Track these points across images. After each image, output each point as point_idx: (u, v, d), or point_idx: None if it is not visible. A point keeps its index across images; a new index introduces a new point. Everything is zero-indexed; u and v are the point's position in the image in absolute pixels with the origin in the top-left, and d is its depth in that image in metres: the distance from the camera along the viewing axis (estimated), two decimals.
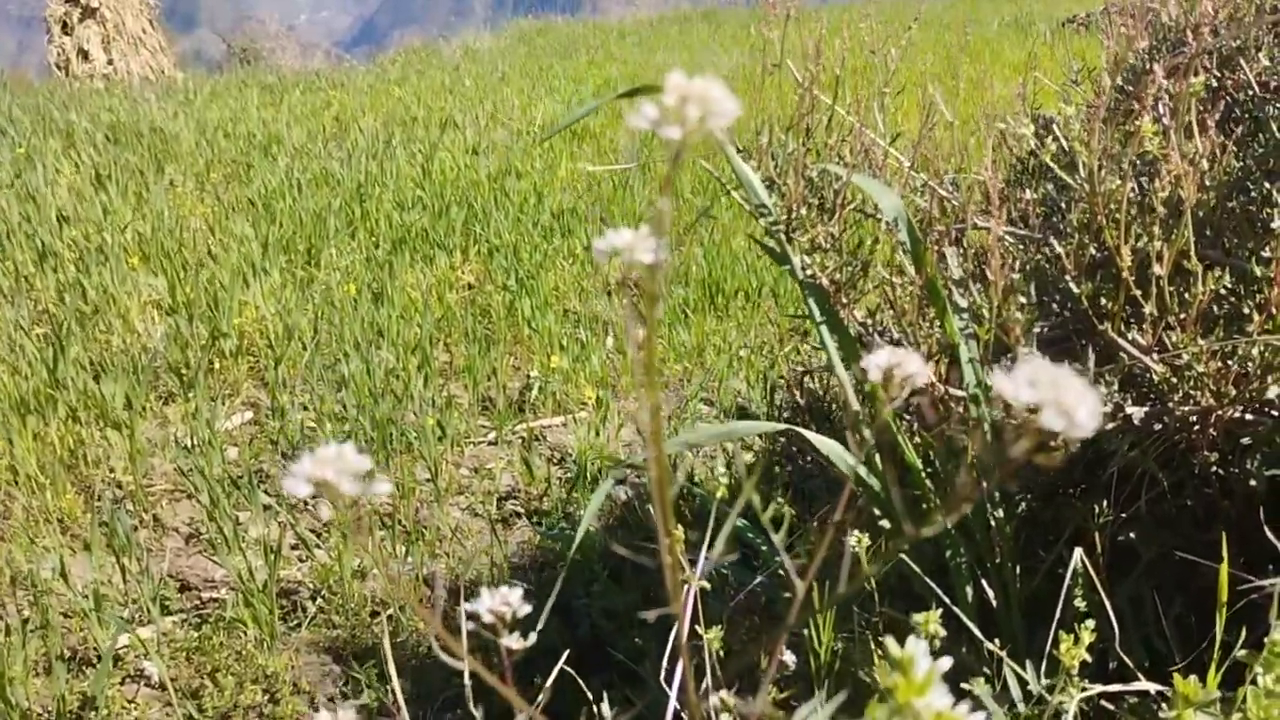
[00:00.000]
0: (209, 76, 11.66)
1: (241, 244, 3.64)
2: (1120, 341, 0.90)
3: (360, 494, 0.34)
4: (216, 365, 2.98)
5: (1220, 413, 0.86)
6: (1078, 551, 0.86)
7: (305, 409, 2.87)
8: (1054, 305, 1.03)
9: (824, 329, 1.04)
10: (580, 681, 1.21)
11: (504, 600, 0.45)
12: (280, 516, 2.38)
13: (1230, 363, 0.86)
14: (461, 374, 3.09)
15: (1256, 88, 1.05)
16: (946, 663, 0.35)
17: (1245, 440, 0.89)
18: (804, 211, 1.10)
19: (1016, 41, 10.50)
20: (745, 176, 1.14)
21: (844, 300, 1.11)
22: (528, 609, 0.46)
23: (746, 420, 2.97)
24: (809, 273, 1.10)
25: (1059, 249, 0.93)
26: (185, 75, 11.49)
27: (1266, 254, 0.83)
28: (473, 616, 0.45)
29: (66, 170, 4.62)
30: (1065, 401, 0.27)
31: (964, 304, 1.00)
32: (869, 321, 1.12)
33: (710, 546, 1.02)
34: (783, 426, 1.04)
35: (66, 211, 3.76)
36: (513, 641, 0.44)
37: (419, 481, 2.57)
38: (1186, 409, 0.87)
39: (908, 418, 1.09)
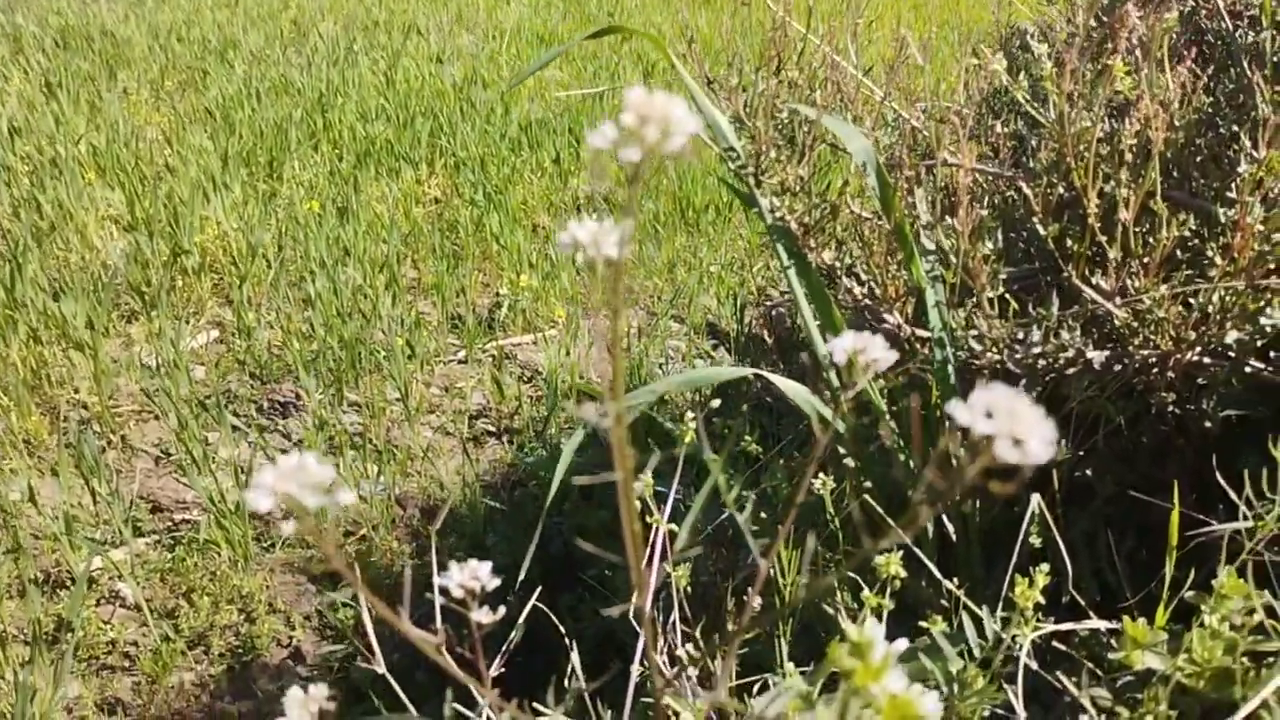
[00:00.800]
0: None
1: (200, 156, 3.54)
2: (1084, 288, 0.91)
3: (322, 504, 0.34)
4: (179, 283, 2.93)
5: (1179, 356, 0.88)
6: (1035, 497, 0.89)
7: (271, 327, 2.84)
8: (1020, 244, 1.03)
9: (792, 273, 1.04)
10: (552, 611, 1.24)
11: (473, 574, 0.46)
12: (250, 437, 2.38)
13: (1191, 307, 0.87)
14: (430, 291, 3.07)
15: (1228, 17, 1.04)
16: (902, 644, 0.36)
17: (1202, 381, 0.91)
18: (773, 154, 1.09)
19: None
20: (713, 119, 1.11)
21: (812, 244, 1.10)
22: (497, 583, 0.46)
23: (715, 341, 2.99)
24: (777, 215, 1.09)
25: (1027, 190, 0.93)
26: None
27: (1231, 195, 0.84)
28: (443, 591, 0.46)
29: (15, 78, 4.43)
30: (1019, 432, 0.28)
31: (931, 246, 1.00)
32: (837, 262, 1.12)
33: (680, 482, 1.04)
34: (749, 371, 1.05)
35: (18, 123, 3.62)
36: (482, 615, 0.45)
37: (389, 401, 2.57)
38: (1146, 353, 0.89)
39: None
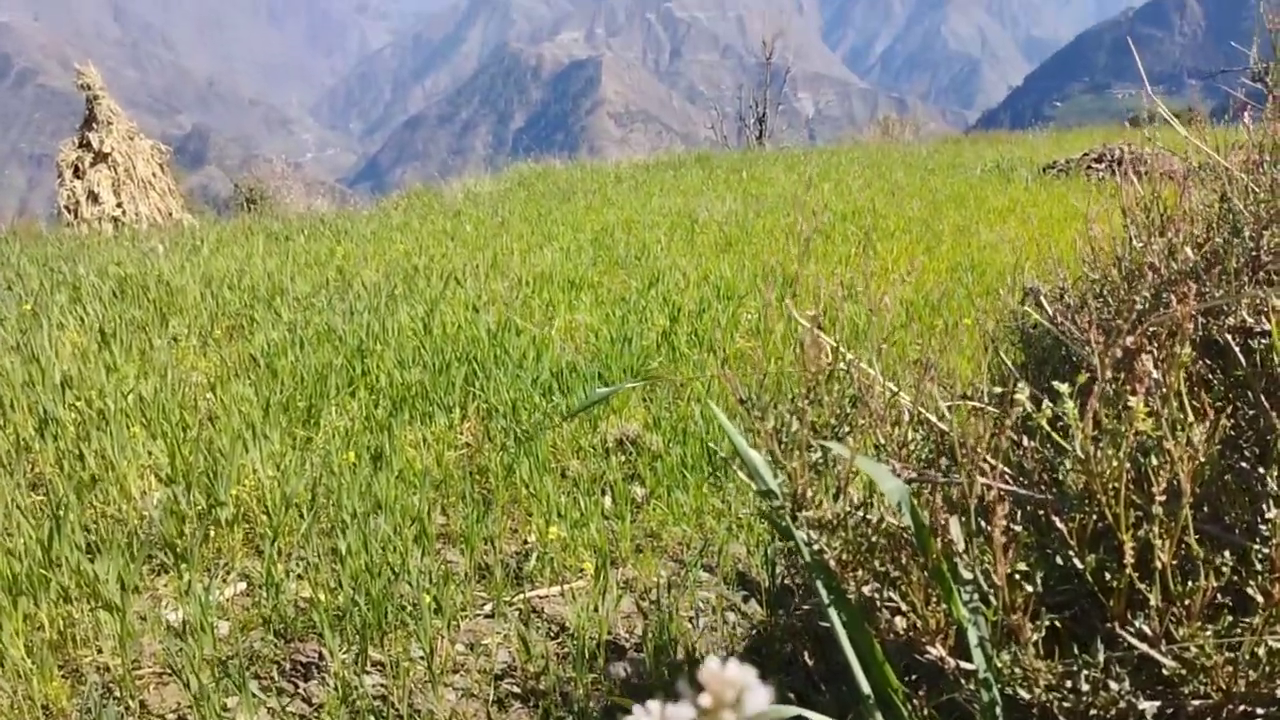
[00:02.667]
0: (216, 220, 11.99)
1: (241, 404, 3.66)
2: (1127, 636, 0.90)
3: None
4: (211, 534, 2.95)
5: (1231, 707, 0.86)
6: None
7: (300, 578, 2.83)
8: (1058, 561, 1.04)
9: (831, 610, 1.04)
10: None
11: None
12: (269, 702, 2.32)
13: (1238, 654, 0.86)
14: (458, 540, 3.07)
15: (1239, 334, 1.09)
16: None
17: None
18: (809, 493, 1.12)
19: (999, 187, 10.87)
20: (752, 463, 1.16)
21: (851, 580, 1.11)
22: None
23: (746, 593, 2.93)
24: (815, 549, 1.11)
25: (1060, 525, 0.94)
26: (193, 219, 11.80)
27: (1263, 529, 0.85)
28: None
29: (71, 326, 4.68)
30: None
31: (968, 575, 1.00)
32: (876, 594, 1.13)
33: None
34: (795, 711, 1.01)
35: (70, 373, 3.79)
36: None
37: (413, 660, 2.51)
38: (1199, 702, 0.87)
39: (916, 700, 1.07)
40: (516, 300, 5.40)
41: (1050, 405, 0.98)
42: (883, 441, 1.22)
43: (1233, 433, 0.98)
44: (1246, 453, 0.95)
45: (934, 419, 1.20)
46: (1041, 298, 2.69)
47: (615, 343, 4.47)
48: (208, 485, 3.09)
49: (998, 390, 1.19)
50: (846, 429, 1.20)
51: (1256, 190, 1.50)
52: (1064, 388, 0.91)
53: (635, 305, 5.34)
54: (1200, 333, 1.10)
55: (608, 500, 3.43)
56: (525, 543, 3.13)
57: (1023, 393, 0.97)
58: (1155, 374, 0.93)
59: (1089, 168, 11.50)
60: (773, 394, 1.30)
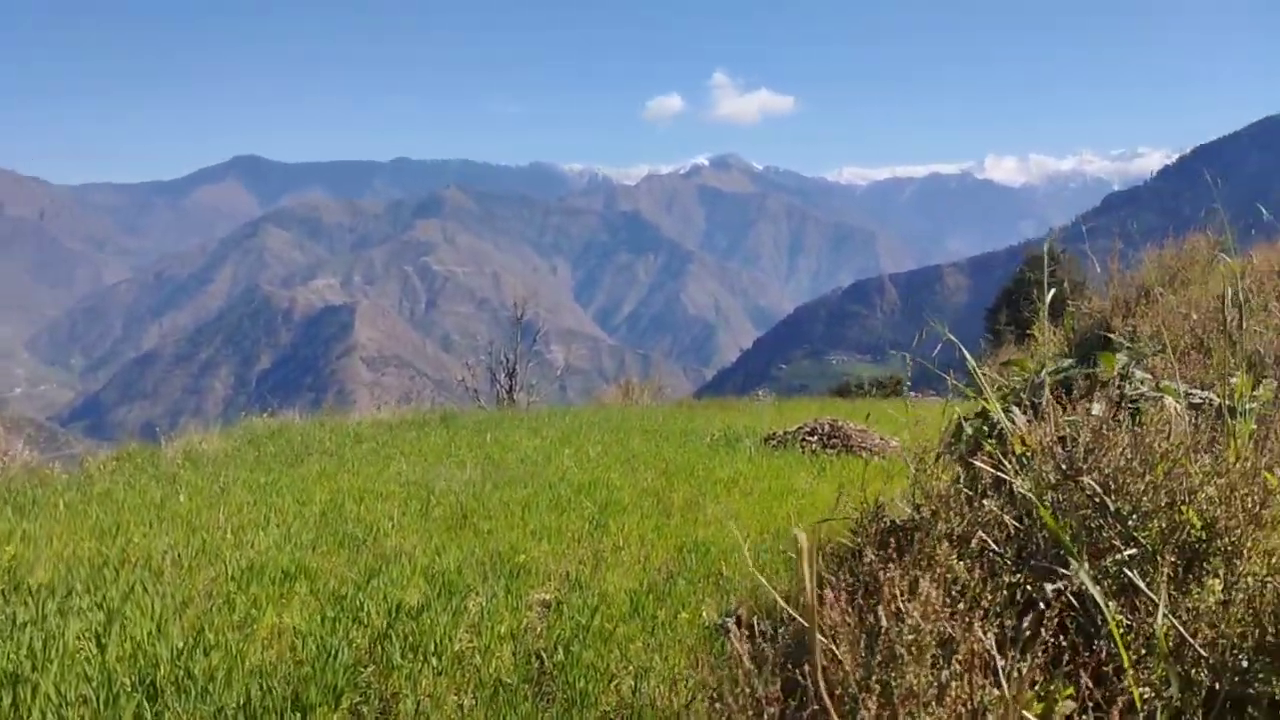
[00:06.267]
0: None
1: None
2: None
3: None
4: None
5: None
6: None
7: None
8: None
9: None
10: None
11: None
12: None
13: None
14: None
15: None
16: None
17: None
18: None
19: (726, 458, 11.57)
20: None
21: None
22: None
23: None
24: None
25: None
26: None
27: None
28: None
29: None
30: None
31: None
32: None
33: None
34: None
35: None
36: None
37: None
38: None
39: None
40: (218, 600, 4.95)
41: None
42: None
43: None
44: None
45: None
46: (732, 630, 2.80)
47: (322, 654, 4.16)
48: None
49: None
50: None
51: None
52: None
53: (352, 602, 5.05)
54: None
55: None
56: None
57: None
58: None
59: (804, 440, 12.57)
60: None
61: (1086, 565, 1.73)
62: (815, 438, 12.61)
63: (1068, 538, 1.79)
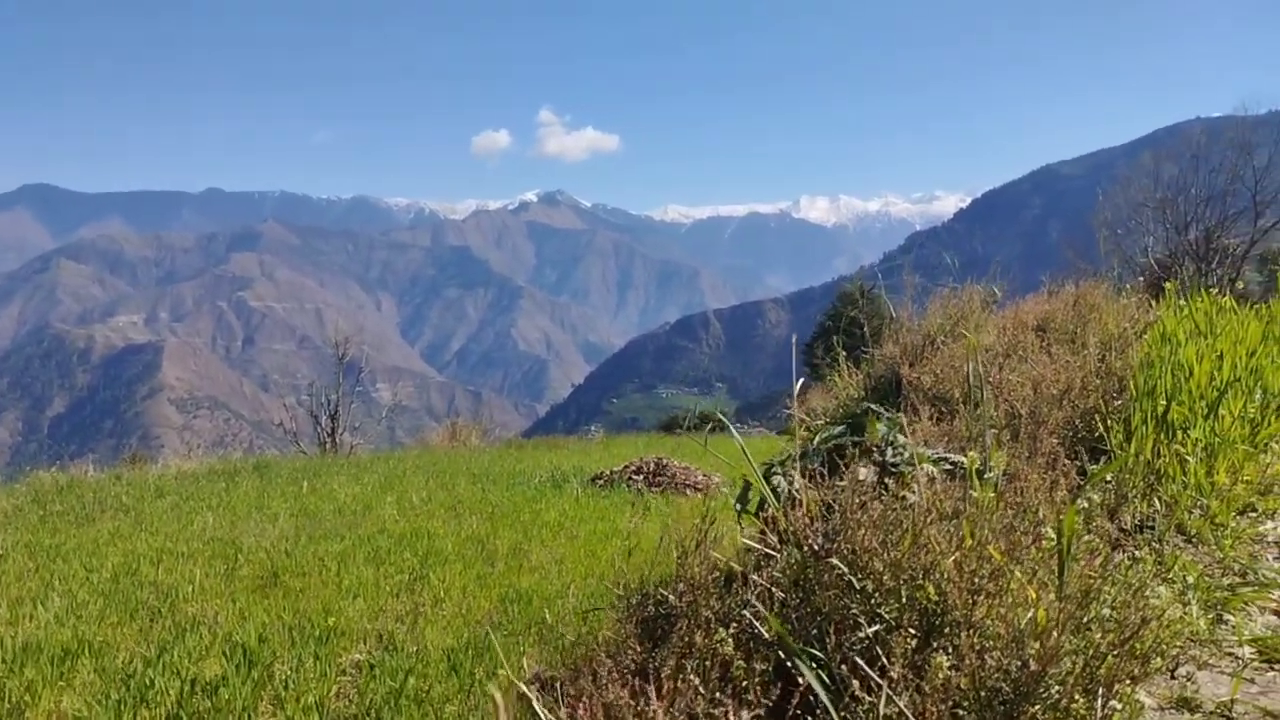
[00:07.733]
0: None
1: None
2: None
3: None
4: None
5: None
6: None
7: None
8: None
9: None
10: None
11: None
12: None
13: None
14: None
15: None
16: None
17: None
18: None
19: (553, 500, 11.53)
20: None
21: None
22: None
23: None
24: None
25: None
26: None
27: None
28: None
29: None
30: None
31: None
32: None
33: None
34: None
35: None
36: None
37: None
38: None
39: None
40: None
41: None
42: None
43: None
44: None
45: None
46: (533, 698, 2.80)
47: None
48: None
49: None
50: None
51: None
52: None
53: (141, 680, 4.71)
54: None
55: None
56: None
57: None
58: None
59: (630, 479, 12.71)
60: None
61: (833, 642, 1.84)
62: (641, 476, 12.78)
63: (825, 610, 1.90)
